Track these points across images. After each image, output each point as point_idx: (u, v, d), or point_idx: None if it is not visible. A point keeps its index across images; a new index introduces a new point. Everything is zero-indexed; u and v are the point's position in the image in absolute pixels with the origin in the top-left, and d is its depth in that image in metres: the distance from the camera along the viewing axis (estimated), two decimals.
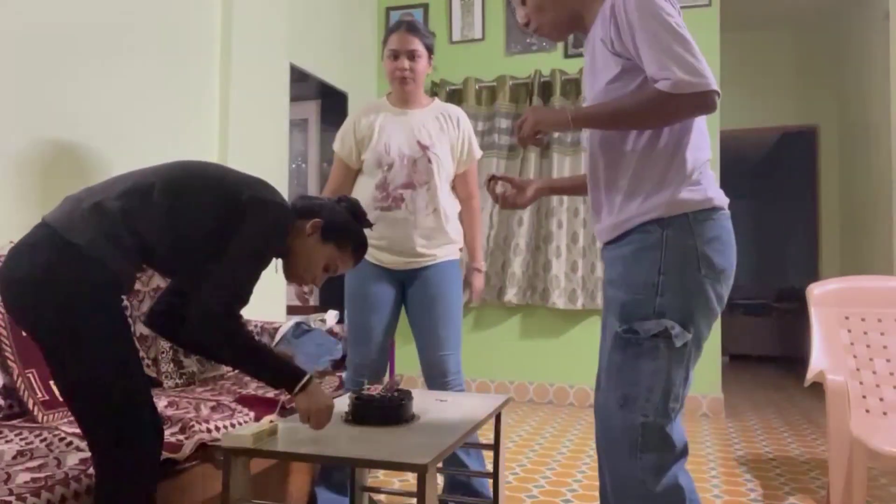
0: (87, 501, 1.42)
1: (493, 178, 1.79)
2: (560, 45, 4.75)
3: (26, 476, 1.39)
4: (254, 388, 2.37)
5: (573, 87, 4.61)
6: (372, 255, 2.36)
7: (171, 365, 2.44)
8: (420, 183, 2.34)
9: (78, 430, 1.70)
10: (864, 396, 2.47)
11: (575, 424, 4.05)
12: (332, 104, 4.56)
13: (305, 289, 2.26)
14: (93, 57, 2.53)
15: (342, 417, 1.65)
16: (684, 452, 1.46)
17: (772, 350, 7.47)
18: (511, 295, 4.60)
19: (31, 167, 2.29)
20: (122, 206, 1.43)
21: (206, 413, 1.97)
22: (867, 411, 2.44)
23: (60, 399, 1.90)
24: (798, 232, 8.32)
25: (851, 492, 2.21)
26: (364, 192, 2.36)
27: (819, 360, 2.52)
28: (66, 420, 1.88)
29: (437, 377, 2.40)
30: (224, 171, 1.59)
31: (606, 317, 1.64)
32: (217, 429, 1.84)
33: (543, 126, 1.48)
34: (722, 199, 1.47)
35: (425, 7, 4.97)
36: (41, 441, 1.65)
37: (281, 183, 3.52)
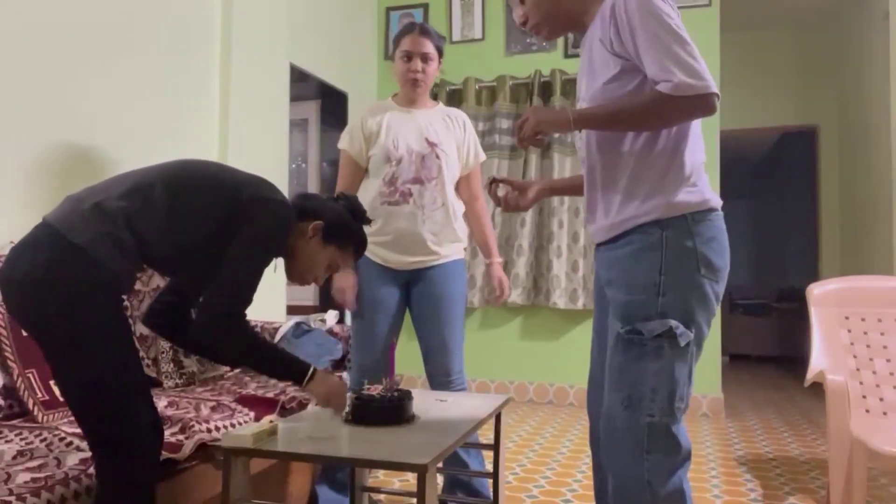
0: (87, 501, 1.43)
1: (494, 181, 1.79)
2: (560, 45, 4.75)
3: (26, 476, 1.39)
4: (254, 388, 2.37)
5: (573, 87, 4.61)
6: (378, 256, 2.36)
7: (171, 365, 2.44)
8: (428, 178, 2.34)
9: (78, 430, 1.70)
10: (864, 396, 2.47)
11: (575, 424, 4.05)
12: (332, 104, 4.56)
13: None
14: (93, 57, 2.53)
15: (342, 417, 1.65)
16: (688, 456, 1.46)
17: (772, 350, 7.47)
18: (516, 296, 4.60)
19: (31, 167, 2.29)
20: (124, 206, 1.43)
21: (206, 413, 1.97)
22: (867, 411, 2.44)
23: (60, 399, 1.91)
24: (798, 232, 8.32)
25: (851, 492, 2.21)
26: (370, 190, 2.35)
27: (819, 360, 2.52)
28: (66, 420, 1.88)
29: (441, 377, 2.40)
30: (225, 171, 1.59)
31: (601, 317, 1.64)
32: (217, 429, 1.84)
33: (544, 127, 1.48)
34: (717, 201, 1.49)
35: (425, 7, 4.97)
36: (41, 441, 1.65)
37: (281, 183, 3.52)
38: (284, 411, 2.11)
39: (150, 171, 1.53)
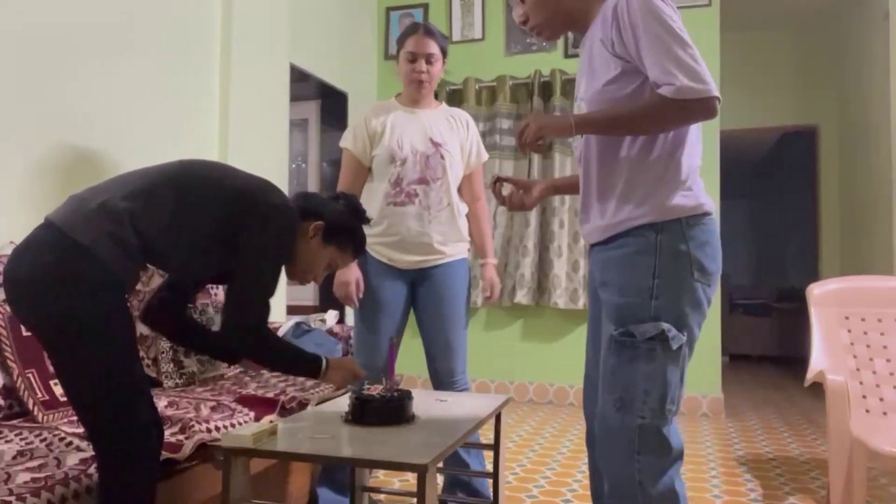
0: (87, 501, 1.42)
1: (498, 180, 1.79)
2: (560, 45, 4.75)
3: (26, 476, 1.39)
4: (254, 388, 2.37)
5: (573, 87, 4.58)
6: (383, 255, 2.35)
7: (171, 365, 2.44)
8: (433, 179, 2.34)
9: (78, 431, 1.70)
10: (864, 396, 2.47)
11: (575, 424, 4.05)
12: (332, 104, 4.56)
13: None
14: (93, 57, 2.53)
15: (342, 417, 1.65)
16: (680, 456, 1.46)
17: (772, 350, 7.47)
18: (521, 296, 4.59)
19: (31, 167, 2.29)
20: (128, 206, 1.44)
21: (206, 413, 1.97)
22: (867, 411, 2.44)
23: (61, 399, 1.91)
24: (798, 232, 8.33)
25: (851, 492, 2.21)
26: (377, 193, 2.35)
27: (819, 360, 2.52)
28: (66, 420, 1.88)
29: (445, 377, 2.40)
30: (227, 171, 1.60)
31: (595, 317, 1.65)
32: (217, 429, 1.84)
33: (546, 132, 1.48)
34: (711, 205, 1.50)
35: (425, 7, 4.97)
36: (41, 441, 1.65)
37: (281, 183, 3.52)
38: (284, 411, 2.11)
39: (154, 171, 1.53)
